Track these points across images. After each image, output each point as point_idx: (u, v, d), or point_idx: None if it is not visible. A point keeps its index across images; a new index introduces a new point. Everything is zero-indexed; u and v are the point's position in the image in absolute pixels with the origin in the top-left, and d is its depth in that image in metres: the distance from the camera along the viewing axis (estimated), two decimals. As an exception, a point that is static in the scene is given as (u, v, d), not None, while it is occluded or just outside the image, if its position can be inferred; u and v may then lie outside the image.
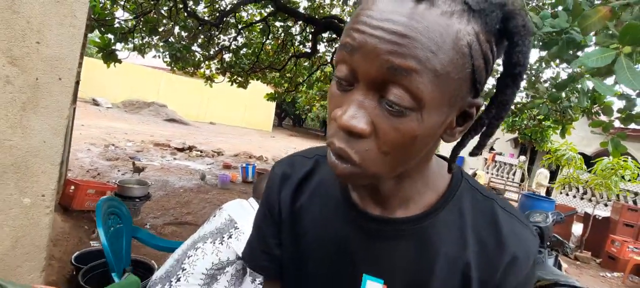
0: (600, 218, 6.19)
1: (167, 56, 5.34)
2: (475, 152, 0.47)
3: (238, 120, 20.84)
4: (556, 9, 1.89)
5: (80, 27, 1.20)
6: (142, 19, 4.51)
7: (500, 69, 0.41)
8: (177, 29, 5.31)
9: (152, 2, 4.58)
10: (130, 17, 4.52)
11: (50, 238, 1.42)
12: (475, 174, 13.47)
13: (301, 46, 7.40)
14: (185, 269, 1.36)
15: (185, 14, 4.46)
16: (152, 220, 3.62)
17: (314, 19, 5.62)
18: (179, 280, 1.35)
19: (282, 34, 7.01)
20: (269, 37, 6.62)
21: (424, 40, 0.33)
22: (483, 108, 0.43)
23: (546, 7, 2.00)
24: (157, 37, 4.92)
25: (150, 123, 13.42)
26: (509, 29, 0.37)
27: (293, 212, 0.56)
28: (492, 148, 14.07)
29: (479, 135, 0.45)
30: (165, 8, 4.76)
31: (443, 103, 0.37)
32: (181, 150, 8.29)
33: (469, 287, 0.46)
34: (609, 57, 1.12)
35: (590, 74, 1.77)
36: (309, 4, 6.61)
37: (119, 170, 5.61)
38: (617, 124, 2.66)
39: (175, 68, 5.71)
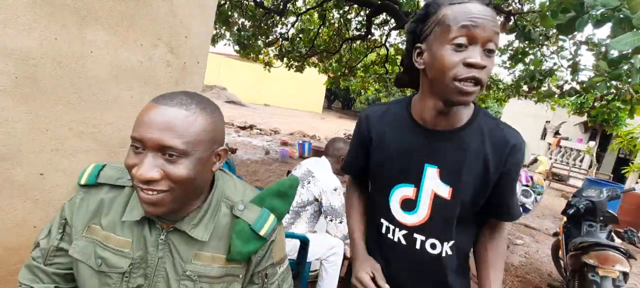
0: (678, 207, 5.70)
1: (236, 44, 5.93)
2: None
3: (290, 102, 21.66)
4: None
5: (210, 24, 1.65)
6: (217, 11, 5.08)
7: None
8: (242, 19, 5.85)
9: (224, -5, 5.12)
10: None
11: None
12: (536, 160, 12.70)
13: (356, 31, 7.57)
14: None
15: (254, 3, 4.93)
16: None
17: (369, 1, 5.79)
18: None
19: (338, 20, 7.24)
20: (325, 24, 6.91)
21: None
22: None
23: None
24: (229, 28, 5.48)
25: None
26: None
27: (378, 135, 0.92)
28: (557, 133, 13.11)
29: None
30: (236, 0, 5.28)
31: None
32: (243, 128, 9.08)
33: (487, 167, 0.82)
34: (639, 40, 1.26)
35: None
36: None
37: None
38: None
39: (243, 55, 6.29)
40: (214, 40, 6.17)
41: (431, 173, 0.84)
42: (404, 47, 6.96)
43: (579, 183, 9.71)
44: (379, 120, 0.92)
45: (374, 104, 1.01)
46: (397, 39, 8.11)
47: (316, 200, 1.79)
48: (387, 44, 7.23)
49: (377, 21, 6.98)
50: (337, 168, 1.98)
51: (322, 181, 1.80)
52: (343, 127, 16.48)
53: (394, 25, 6.06)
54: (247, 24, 6.05)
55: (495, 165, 0.82)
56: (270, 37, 6.85)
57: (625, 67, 2.29)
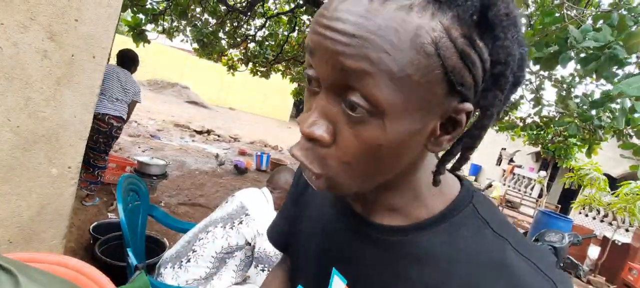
0: (619, 243, 5.96)
1: (195, 42, 5.44)
2: (457, 166, 0.41)
3: (256, 108, 21.06)
4: (599, 23, 1.81)
5: (116, 7, 1.24)
6: (173, 2, 4.60)
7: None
8: (205, 15, 5.40)
9: (184, -15, 4.66)
10: (162, 0, 4.61)
11: (72, 208, 1.49)
12: (491, 185, 13.17)
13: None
14: (196, 251, 1.40)
15: (216, 0, 4.51)
16: (167, 198, 3.72)
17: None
18: (189, 261, 1.39)
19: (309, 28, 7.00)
20: (295, 30, 6.63)
21: (376, 39, 0.29)
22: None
23: (587, 20, 1.92)
24: (185, 21, 5.01)
25: (172, 103, 13.73)
26: (489, 19, 0.31)
27: (305, 199, 0.59)
28: (511, 160, 13.70)
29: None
30: (195, -8, 4.84)
31: (410, 109, 0.32)
32: (200, 132, 8.46)
33: None
34: None
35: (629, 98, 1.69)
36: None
37: (139, 147, 5.78)
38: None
39: (201, 54, 5.81)
40: (170, 34, 5.64)
41: None
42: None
43: (529, 211, 10.08)
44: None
45: None
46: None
47: (248, 244, 1.42)
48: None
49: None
50: (280, 205, 1.63)
51: (258, 221, 1.44)
52: (308, 137, 16.18)
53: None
54: (211, 20, 5.62)
55: None
56: (237, 39, 6.44)
57: (601, 109, 2.17)
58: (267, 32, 6.77)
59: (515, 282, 0.34)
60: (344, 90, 0.32)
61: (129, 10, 4.17)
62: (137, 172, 3.47)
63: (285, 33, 6.52)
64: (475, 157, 15.94)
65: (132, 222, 1.47)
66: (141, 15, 4.42)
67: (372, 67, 0.29)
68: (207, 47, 5.66)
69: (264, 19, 6.06)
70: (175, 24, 5.41)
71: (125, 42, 4.76)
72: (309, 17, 6.47)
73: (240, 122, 14.09)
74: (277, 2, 6.58)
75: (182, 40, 5.75)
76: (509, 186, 12.64)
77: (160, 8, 4.67)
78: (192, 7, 5.27)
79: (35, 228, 1.33)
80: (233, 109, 19.15)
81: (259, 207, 1.49)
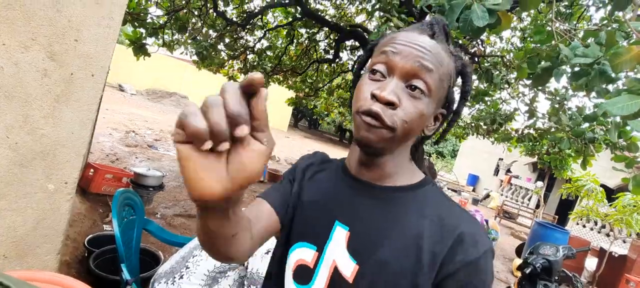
0: (616, 255, 5.96)
1: (194, 54, 5.50)
2: (439, 140, 0.71)
3: (255, 118, 21.07)
4: (589, 40, 1.85)
5: (116, 27, 1.27)
6: (173, 16, 4.66)
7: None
8: (205, 28, 5.46)
9: (183, 1, 4.73)
10: (162, 14, 4.67)
11: (68, 221, 1.49)
12: (489, 195, 13.16)
13: (324, 53, 7.46)
14: (189, 268, 1.40)
15: (215, 14, 4.57)
16: (163, 210, 3.72)
17: (338, 26, 5.66)
18: (182, 277, 1.39)
19: (307, 40, 7.09)
20: (293, 43, 6.71)
21: (436, 56, 0.57)
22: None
23: (579, 33, 1.97)
24: (186, 35, 5.07)
25: (170, 113, 13.77)
26: (464, 72, 0.64)
27: (309, 177, 0.72)
28: (509, 170, 13.73)
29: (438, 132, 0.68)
30: (196, 7, 4.90)
31: (436, 99, 0.58)
32: (197, 142, 8.45)
33: (419, 255, 0.56)
34: (636, 104, 1.09)
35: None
36: (336, 11, 6.66)
37: (137, 157, 5.78)
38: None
39: (201, 66, 5.85)
40: (170, 47, 5.69)
41: (339, 236, 0.62)
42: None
43: (527, 221, 10.07)
44: (318, 165, 0.76)
45: (317, 152, 0.83)
46: (364, 66, 8.10)
47: (241, 264, 1.43)
48: (354, 70, 7.13)
49: (347, 45, 6.89)
50: None
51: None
52: (307, 147, 16.21)
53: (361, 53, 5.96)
54: (212, 33, 5.68)
55: (431, 255, 0.56)
56: (236, 50, 6.51)
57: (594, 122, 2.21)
58: (266, 44, 6.85)
59: (458, 219, 0.58)
60: (411, 78, 0.55)
61: (129, 24, 4.22)
62: (134, 183, 3.48)
63: (284, 45, 6.59)
64: (473, 167, 15.97)
65: (127, 236, 1.48)
66: (142, 30, 4.48)
67: (434, 68, 0.56)
68: (207, 59, 5.71)
69: (263, 31, 6.13)
70: (175, 37, 5.47)
71: (123, 50, 4.79)
72: (307, 30, 6.56)
73: (238, 132, 14.09)
74: (276, 15, 6.68)
75: (181, 53, 5.80)
76: (506, 196, 12.65)
77: (161, 22, 4.73)
78: (192, 21, 5.35)
79: (30, 243, 1.34)
80: (231, 119, 19.18)
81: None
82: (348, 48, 7.06)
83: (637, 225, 5.70)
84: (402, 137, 0.56)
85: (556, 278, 2.64)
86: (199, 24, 5.23)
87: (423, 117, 0.56)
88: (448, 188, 12.57)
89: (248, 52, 6.69)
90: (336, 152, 17.46)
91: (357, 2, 6.42)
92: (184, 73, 18.00)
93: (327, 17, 6.24)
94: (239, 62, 6.99)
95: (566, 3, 3.47)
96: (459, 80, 0.67)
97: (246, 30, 6.05)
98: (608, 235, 8.46)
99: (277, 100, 19.64)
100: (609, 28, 1.93)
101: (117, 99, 12.99)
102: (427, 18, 0.64)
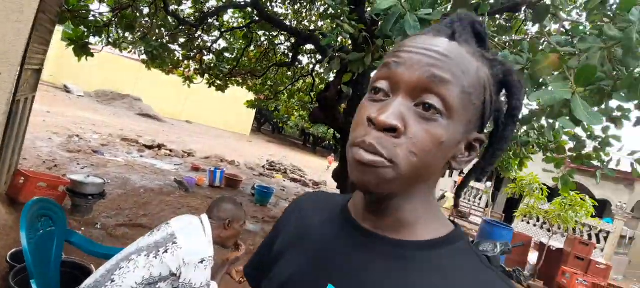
0: (554, 249, 6.45)
1: (144, 53, 5.21)
2: (479, 177, 0.54)
3: (216, 122, 20.50)
4: (518, 49, 2.00)
5: (27, 22, 1.16)
6: (118, 14, 4.39)
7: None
8: (157, 28, 5.21)
9: (131, -2, 4.48)
10: (106, 11, 4.39)
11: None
12: (444, 196, 13.78)
13: (283, 56, 7.43)
14: (114, 281, 1.30)
15: (165, 13, 4.38)
16: (104, 219, 3.48)
17: (296, 30, 5.67)
18: (107, 291, 1.29)
19: (265, 42, 7.01)
20: (252, 45, 6.61)
21: (457, 62, 0.42)
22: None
23: (507, 46, 2.12)
24: (135, 34, 4.81)
25: (122, 116, 12.99)
26: (509, 82, 0.47)
27: (298, 226, 0.58)
28: (461, 172, 14.47)
29: (480, 166, 0.52)
30: (145, 4, 4.67)
31: (463, 120, 0.43)
32: (149, 147, 8.05)
33: None
34: (566, 92, 1.19)
35: (547, 112, 1.86)
36: (294, 16, 6.67)
37: (78, 163, 5.37)
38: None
39: (150, 66, 5.56)
40: (118, 46, 5.37)
41: None
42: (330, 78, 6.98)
43: (478, 220, 10.67)
44: (310, 208, 0.60)
45: (319, 191, 0.71)
46: (322, 70, 8.18)
47: (173, 274, 1.35)
48: (314, 74, 7.18)
49: (307, 49, 6.92)
50: (220, 236, 1.58)
51: (186, 249, 1.37)
52: (270, 151, 16.02)
53: (320, 58, 6.01)
54: (165, 32, 5.43)
55: None
56: (193, 50, 6.28)
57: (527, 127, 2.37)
58: (224, 45, 6.69)
59: None
60: (421, 94, 0.41)
61: (70, 22, 3.91)
62: (71, 192, 3.22)
63: (242, 47, 6.47)
64: (430, 170, 16.58)
65: (44, 251, 1.35)
66: (83, 28, 4.17)
67: (453, 78, 0.41)
68: (158, 60, 5.45)
69: (219, 32, 5.99)
70: (120, 36, 5.16)
71: (71, 52, 4.40)
72: (265, 32, 6.50)
73: (197, 137, 13.64)
74: (236, 16, 6.55)
75: (129, 52, 5.49)
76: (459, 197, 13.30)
77: (105, 20, 4.44)
78: (143, 20, 5.07)
79: None
80: (190, 123, 18.51)
81: (190, 236, 1.42)
82: (308, 52, 7.10)
83: (572, 221, 6.25)
84: (411, 174, 0.42)
85: (496, 273, 2.79)
86: (148, 24, 4.98)
87: (442, 145, 0.42)
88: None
89: (205, 53, 6.49)
90: (300, 158, 17.44)
91: (315, 9, 6.47)
92: (138, 73, 17.03)
93: (286, 22, 6.22)
94: (196, 63, 6.76)
95: (506, 17, 3.73)
96: (503, 92, 0.49)
97: (203, 30, 5.86)
98: (548, 230, 9.19)
99: (241, 103, 19.27)
100: (533, 38, 2.08)
101: (61, 101, 12.03)
102: (448, 19, 0.49)
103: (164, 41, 5.08)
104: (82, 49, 4.21)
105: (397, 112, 0.41)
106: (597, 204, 6.43)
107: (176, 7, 4.68)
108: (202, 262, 1.39)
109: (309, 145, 27.69)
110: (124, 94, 15.39)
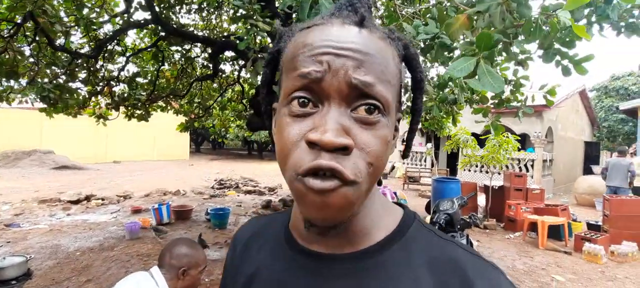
0: (496, 187, 7.10)
1: (39, 100, 4.48)
2: (405, 155, 0.54)
3: (148, 154, 18.97)
4: (427, 17, 2.05)
5: None
6: (-8, 60, 3.70)
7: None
8: (48, 69, 4.51)
9: (5, 40, 3.78)
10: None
11: None
12: (394, 167, 14.44)
13: (203, 69, 7.01)
14: None
15: (52, 48, 3.80)
16: (35, 302, 2.95)
17: (210, 39, 5.35)
18: None
19: (180, 58, 6.54)
20: (165, 64, 6.10)
21: (378, 56, 0.40)
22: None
23: (418, 17, 2.17)
24: (19, 80, 4.11)
25: (33, 175, 11.32)
26: (408, 55, 0.46)
27: (249, 271, 0.51)
28: (403, 140, 15.28)
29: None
30: (22, 44, 4.00)
31: (394, 109, 0.42)
32: (76, 202, 7.11)
33: None
34: (471, 64, 1.21)
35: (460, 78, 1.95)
36: (203, 25, 6.30)
37: (-13, 246, 4.52)
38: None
39: (52, 112, 4.81)
40: (4, 98, 4.56)
41: None
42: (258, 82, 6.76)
43: (428, 180, 11.36)
44: (252, 243, 0.55)
45: (253, 218, 0.62)
46: (248, 74, 7.94)
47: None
48: (241, 81, 6.90)
49: (228, 57, 6.59)
50: (175, 287, 1.38)
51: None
52: (215, 169, 15.27)
53: (243, 63, 5.78)
54: (58, 71, 4.72)
55: None
56: (99, 84, 5.59)
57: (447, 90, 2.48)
58: (133, 70, 6.07)
59: (469, 273, 0.41)
60: (357, 99, 0.38)
61: None
62: (-22, 285, 2.67)
63: (154, 69, 5.95)
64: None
65: None
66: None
67: (381, 75, 0.39)
68: (59, 102, 4.74)
69: (125, 58, 5.42)
70: (6, 84, 4.39)
71: None
72: (178, 47, 6.05)
73: (130, 176, 12.45)
74: (142, 36, 5.96)
75: (19, 102, 4.71)
76: (407, 164, 14.04)
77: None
78: (29, 62, 4.35)
79: None
80: (118, 162, 16.87)
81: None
82: (229, 60, 6.78)
83: (504, 159, 6.93)
84: (371, 185, 0.40)
85: (458, 227, 2.93)
86: (36, 64, 4.29)
87: (389, 143, 0.41)
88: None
89: (113, 84, 5.82)
90: (249, 168, 16.92)
91: (224, 13, 6.18)
92: (41, 123, 14.93)
93: (196, 32, 5.84)
94: (105, 97, 6.04)
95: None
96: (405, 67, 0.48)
97: (104, 59, 5.25)
98: (487, 172, 10.10)
99: (168, 130, 17.96)
100: (440, 4, 2.16)
101: (-51, 178, 10.09)
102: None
103: (60, 81, 4.43)
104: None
105: (339, 127, 0.37)
106: (519, 138, 7.19)
107: (64, 39, 4.08)
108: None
109: (255, 152, 27.07)
110: (30, 150, 13.45)
